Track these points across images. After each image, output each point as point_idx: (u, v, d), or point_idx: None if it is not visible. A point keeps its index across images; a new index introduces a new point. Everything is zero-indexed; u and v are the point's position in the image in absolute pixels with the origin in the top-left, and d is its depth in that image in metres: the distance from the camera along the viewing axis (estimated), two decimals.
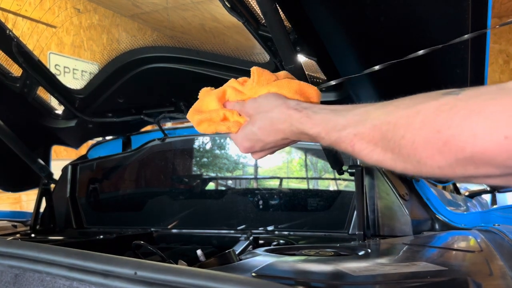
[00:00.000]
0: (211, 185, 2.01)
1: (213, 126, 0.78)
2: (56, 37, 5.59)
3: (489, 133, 0.41)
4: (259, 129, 0.70)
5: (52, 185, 2.03)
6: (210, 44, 1.45)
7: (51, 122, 1.95)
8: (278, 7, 1.05)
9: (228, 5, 1.14)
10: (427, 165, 0.47)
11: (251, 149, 0.75)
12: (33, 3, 5.24)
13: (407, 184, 1.63)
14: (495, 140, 0.41)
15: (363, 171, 1.46)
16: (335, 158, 1.44)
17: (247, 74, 1.53)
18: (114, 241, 1.68)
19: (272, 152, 0.78)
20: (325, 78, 1.41)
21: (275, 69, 1.42)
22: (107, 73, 1.65)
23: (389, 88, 1.25)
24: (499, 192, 2.53)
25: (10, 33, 1.54)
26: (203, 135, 2.01)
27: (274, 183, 1.87)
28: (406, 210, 1.46)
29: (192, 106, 0.83)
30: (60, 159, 3.10)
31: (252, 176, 1.91)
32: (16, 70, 1.71)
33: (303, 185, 1.82)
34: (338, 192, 1.69)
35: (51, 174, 1.99)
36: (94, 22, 6.31)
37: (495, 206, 3.26)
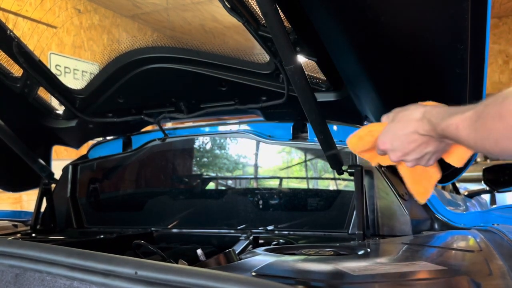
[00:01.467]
0: (211, 185, 2.01)
1: None
2: (56, 38, 5.59)
3: None
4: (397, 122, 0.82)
5: (53, 185, 2.03)
6: (210, 44, 1.46)
7: (52, 122, 1.95)
8: (278, 8, 1.05)
9: (228, 6, 1.15)
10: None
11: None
12: (34, 4, 5.24)
13: None
14: None
15: (363, 171, 1.46)
16: (335, 158, 1.44)
17: (247, 74, 1.54)
18: (115, 241, 1.68)
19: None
20: (325, 79, 1.42)
21: (275, 69, 1.42)
22: (108, 73, 1.66)
23: (389, 88, 1.25)
24: (498, 192, 2.53)
25: (11, 33, 1.54)
26: (203, 135, 2.02)
27: (274, 183, 1.88)
28: (405, 210, 1.46)
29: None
30: (61, 159, 3.10)
31: (252, 176, 1.91)
32: (16, 71, 1.72)
33: (303, 185, 1.82)
34: (337, 192, 1.69)
35: (51, 174, 1.99)
36: (94, 22, 6.31)
37: (494, 206, 3.26)
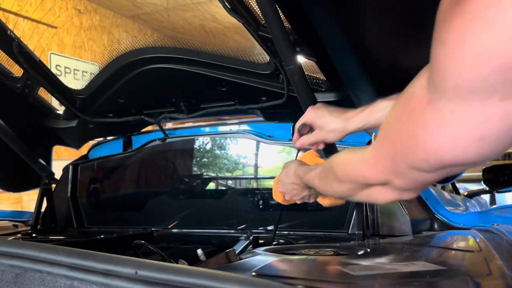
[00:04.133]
0: (211, 185, 2.01)
1: None
2: (57, 38, 5.60)
3: None
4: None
5: (53, 185, 2.03)
6: (210, 44, 1.46)
7: (52, 122, 1.95)
8: (278, 8, 1.05)
9: (228, 6, 1.15)
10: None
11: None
12: (34, 4, 5.24)
13: None
14: None
15: None
16: None
17: (247, 74, 1.54)
18: (115, 241, 1.69)
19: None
20: (325, 79, 1.42)
21: (275, 69, 1.42)
22: (108, 74, 1.66)
23: (388, 88, 1.25)
24: (498, 192, 2.53)
25: (11, 33, 1.54)
26: (203, 135, 2.02)
27: None
28: (405, 210, 1.47)
29: None
30: (61, 159, 3.10)
31: (252, 176, 1.91)
32: (17, 71, 1.72)
33: None
34: None
35: (52, 174, 1.99)
36: (94, 22, 6.31)
37: (494, 206, 3.26)
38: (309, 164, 1.05)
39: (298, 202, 1.13)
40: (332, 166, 0.78)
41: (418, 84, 0.50)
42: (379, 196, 0.69)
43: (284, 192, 1.11)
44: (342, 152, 0.77)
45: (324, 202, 1.13)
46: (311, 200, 1.11)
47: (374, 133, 1.64)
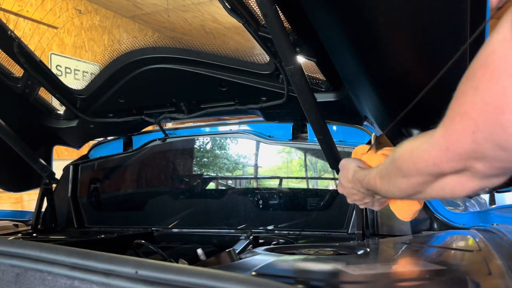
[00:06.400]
0: (211, 185, 2.02)
1: None
2: (57, 38, 5.60)
3: None
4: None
5: (54, 185, 2.04)
6: (210, 45, 1.46)
7: (53, 122, 1.95)
8: (278, 9, 1.05)
9: (228, 6, 1.15)
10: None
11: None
12: (35, 4, 5.24)
13: None
14: None
15: None
16: (334, 158, 1.44)
17: (247, 74, 1.54)
18: (115, 241, 1.69)
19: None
20: (324, 79, 1.42)
21: (274, 70, 1.42)
22: (108, 74, 1.66)
23: (388, 88, 1.25)
24: (497, 192, 2.53)
25: (12, 33, 1.54)
26: (204, 135, 2.02)
27: (274, 183, 1.88)
28: None
29: None
30: (62, 159, 3.11)
31: (252, 176, 1.91)
32: (17, 71, 1.72)
33: (302, 185, 1.82)
34: (337, 192, 1.69)
35: (52, 174, 2.00)
36: (95, 23, 6.31)
37: (493, 206, 3.25)
38: (370, 166, 0.92)
39: (362, 207, 1.01)
40: (395, 159, 0.67)
41: (500, 38, 0.40)
42: (457, 187, 0.57)
43: (346, 195, 0.99)
44: (404, 141, 0.66)
45: (396, 207, 0.97)
46: (377, 208, 0.97)
47: (373, 133, 1.64)
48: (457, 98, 0.47)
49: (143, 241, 1.43)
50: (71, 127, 1.94)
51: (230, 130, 1.96)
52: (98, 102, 1.82)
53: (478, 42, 0.96)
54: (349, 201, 0.99)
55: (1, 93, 1.74)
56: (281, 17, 1.07)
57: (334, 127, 1.70)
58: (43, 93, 1.83)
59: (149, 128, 2.17)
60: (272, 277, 0.83)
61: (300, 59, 1.23)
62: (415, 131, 1.21)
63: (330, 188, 1.77)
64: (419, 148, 0.58)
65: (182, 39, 1.49)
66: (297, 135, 1.79)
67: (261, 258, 1.02)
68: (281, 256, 1.05)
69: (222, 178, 1.99)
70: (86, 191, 2.13)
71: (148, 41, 1.54)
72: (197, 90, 1.69)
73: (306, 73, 1.23)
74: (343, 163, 0.98)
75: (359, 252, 1.08)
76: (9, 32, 1.53)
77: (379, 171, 0.77)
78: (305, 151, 1.81)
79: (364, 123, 1.62)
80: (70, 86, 1.81)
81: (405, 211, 0.95)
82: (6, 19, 4.53)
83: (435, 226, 1.52)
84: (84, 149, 2.26)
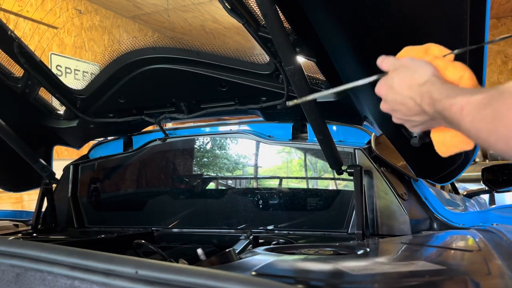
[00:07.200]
0: (211, 185, 2.02)
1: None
2: (57, 38, 5.60)
3: None
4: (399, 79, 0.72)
5: (54, 185, 2.04)
6: (210, 45, 1.46)
7: (53, 122, 1.95)
8: (278, 9, 1.05)
9: (228, 7, 1.15)
10: None
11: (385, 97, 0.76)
12: (35, 4, 5.25)
13: (406, 183, 1.64)
14: None
15: (362, 171, 1.46)
16: (334, 158, 1.44)
17: (247, 74, 1.55)
18: (115, 241, 1.69)
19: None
20: (324, 79, 1.42)
21: (274, 70, 1.43)
22: (108, 74, 1.66)
23: None
24: (497, 192, 2.53)
25: (12, 33, 1.54)
26: (204, 135, 2.02)
27: (274, 183, 1.88)
28: (404, 210, 1.47)
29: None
30: (62, 159, 3.11)
31: (252, 176, 1.91)
32: (17, 71, 1.72)
33: (302, 185, 1.82)
34: (337, 192, 1.69)
35: (52, 174, 2.00)
36: (95, 23, 6.31)
37: (493, 206, 3.26)
38: (456, 84, 0.68)
39: (408, 125, 0.76)
40: None
41: None
42: None
43: (383, 98, 0.76)
44: None
45: (440, 138, 0.73)
46: (416, 130, 0.74)
47: (373, 133, 1.64)
48: None
49: (143, 241, 1.43)
50: (71, 127, 1.94)
51: (230, 130, 1.96)
52: (98, 102, 1.82)
53: (478, 43, 0.96)
54: (384, 107, 0.77)
55: (1, 93, 1.74)
56: (281, 17, 1.07)
57: (334, 127, 1.70)
58: (43, 93, 1.83)
59: (149, 128, 2.17)
60: (272, 277, 0.83)
61: (300, 59, 1.23)
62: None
63: (330, 188, 1.77)
64: None
65: (182, 39, 1.49)
66: (297, 135, 1.79)
67: (261, 258, 1.02)
68: (281, 256, 1.05)
69: (222, 178, 1.99)
70: (86, 191, 2.14)
71: (148, 41, 1.54)
72: (197, 90, 1.69)
73: (306, 73, 1.23)
74: (407, 62, 0.73)
75: (359, 252, 1.08)
76: (9, 32, 1.54)
77: (480, 100, 0.55)
78: (305, 151, 1.81)
79: (364, 123, 1.62)
80: (70, 86, 1.81)
81: (449, 146, 0.73)
82: (6, 19, 4.54)
83: (435, 226, 1.52)
84: (84, 149, 2.27)
